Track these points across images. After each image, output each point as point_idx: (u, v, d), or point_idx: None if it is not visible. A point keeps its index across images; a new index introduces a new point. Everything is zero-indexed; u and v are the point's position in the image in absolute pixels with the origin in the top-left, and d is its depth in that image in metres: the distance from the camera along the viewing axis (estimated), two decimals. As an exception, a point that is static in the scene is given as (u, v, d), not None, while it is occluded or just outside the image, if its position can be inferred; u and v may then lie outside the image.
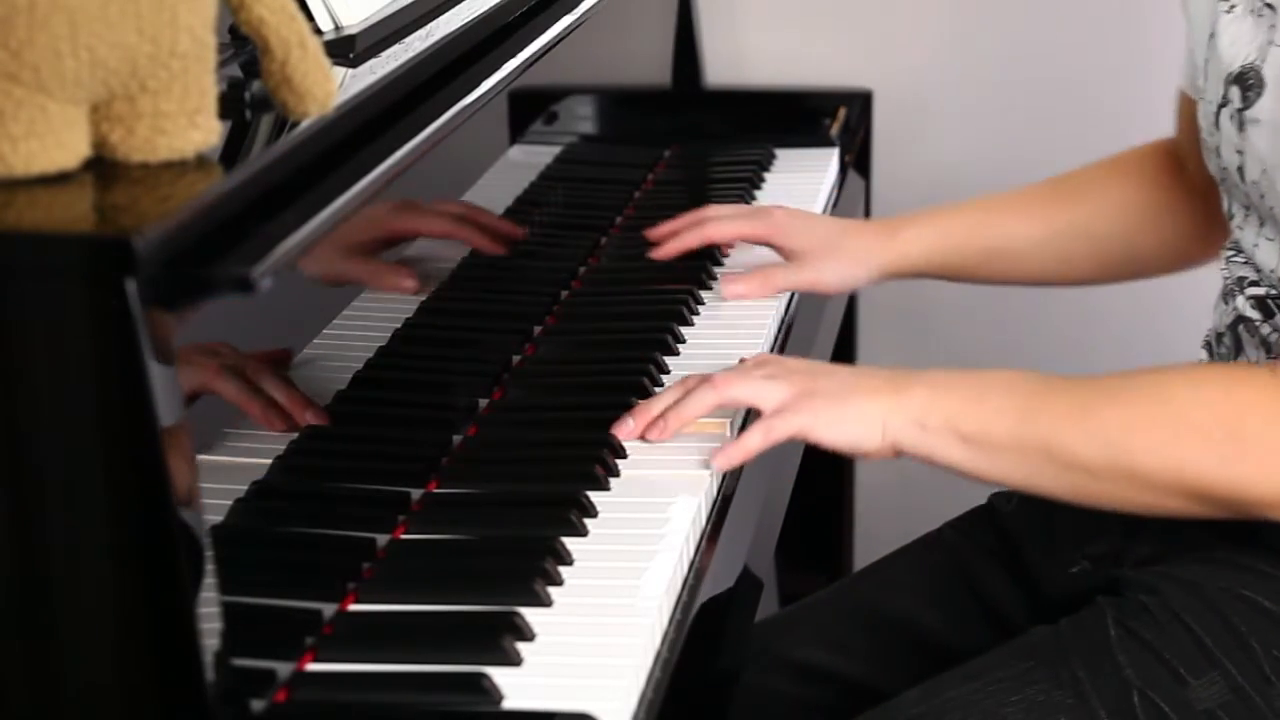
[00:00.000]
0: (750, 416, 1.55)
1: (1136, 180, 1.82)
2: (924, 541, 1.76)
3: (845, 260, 1.85)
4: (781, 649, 1.70)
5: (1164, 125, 1.83)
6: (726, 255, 1.95)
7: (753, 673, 1.68)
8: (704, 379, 1.53)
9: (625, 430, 1.53)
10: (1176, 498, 1.43)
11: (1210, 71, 1.57)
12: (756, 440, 1.49)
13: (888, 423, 1.46)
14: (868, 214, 2.48)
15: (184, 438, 1.07)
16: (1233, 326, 1.58)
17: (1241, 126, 1.51)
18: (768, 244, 1.88)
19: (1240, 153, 1.53)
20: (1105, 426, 1.43)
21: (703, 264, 1.90)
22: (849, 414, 1.47)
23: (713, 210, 1.91)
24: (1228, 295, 1.60)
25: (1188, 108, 1.75)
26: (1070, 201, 1.84)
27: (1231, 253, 1.60)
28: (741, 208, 1.98)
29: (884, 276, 1.87)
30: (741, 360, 1.63)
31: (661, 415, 1.53)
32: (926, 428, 1.46)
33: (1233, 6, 1.55)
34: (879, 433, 1.46)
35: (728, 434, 1.55)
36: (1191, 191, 1.78)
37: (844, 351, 2.46)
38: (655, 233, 1.89)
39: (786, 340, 1.83)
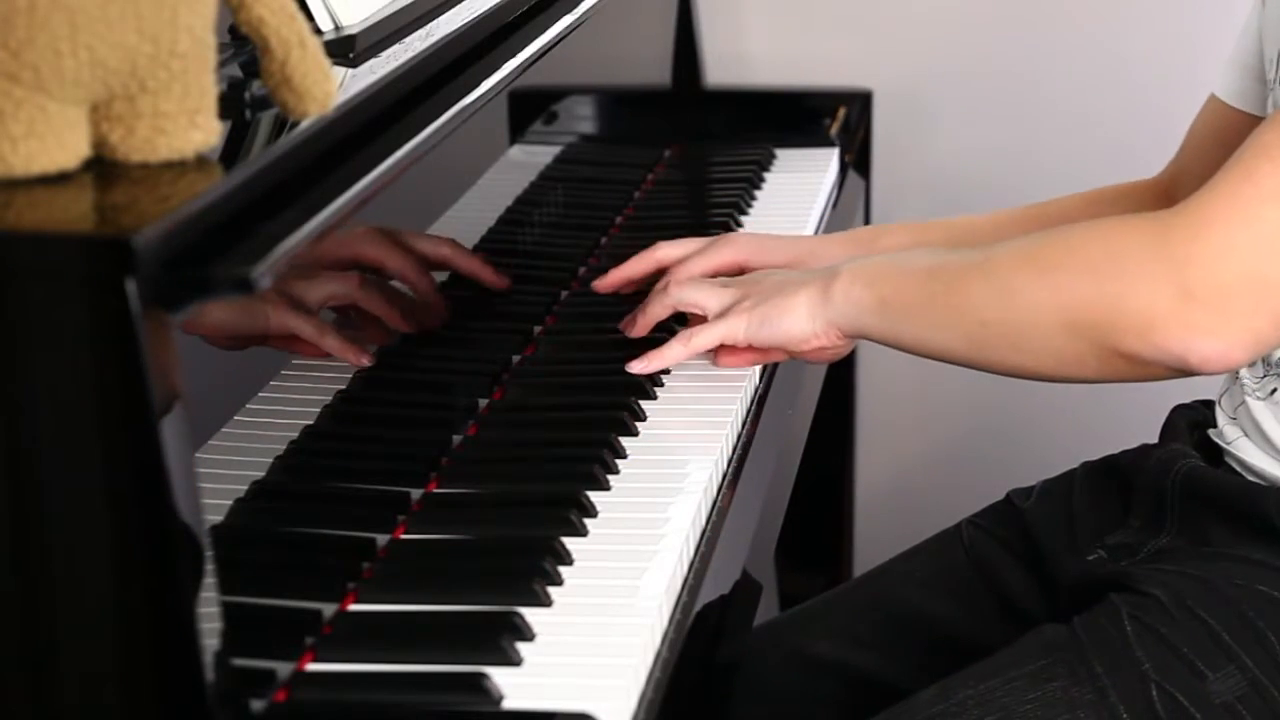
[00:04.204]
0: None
1: (1118, 213, 1.69)
2: (942, 537, 1.76)
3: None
4: (799, 643, 1.71)
5: (1164, 125, 1.80)
6: None
7: (769, 666, 1.68)
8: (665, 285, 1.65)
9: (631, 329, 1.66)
10: (1059, 334, 1.43)
11: None
12: (677, 350, 1.60)
13: (818, 308, 1.55)
14: (867, 214, 2.48)
15: (184, 437, 1.07)
16: None
17: None
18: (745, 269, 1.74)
19: None
20: (997, 268, 1.48)
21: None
22: (780, 311, 1.57)
23: (667, 248, 1.75)
24: None
25: (1215, 115, 1.71)
26: (1045, 225, 1.73)
27: None
28: (699, 241, 1.76)
29: None
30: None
31: (631, 319, 1.66)
32: (850, 299, 1.54)
33: None
34: (810, 319, 1.56)
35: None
36: None
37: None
38: (604, 284, 1.75)
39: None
